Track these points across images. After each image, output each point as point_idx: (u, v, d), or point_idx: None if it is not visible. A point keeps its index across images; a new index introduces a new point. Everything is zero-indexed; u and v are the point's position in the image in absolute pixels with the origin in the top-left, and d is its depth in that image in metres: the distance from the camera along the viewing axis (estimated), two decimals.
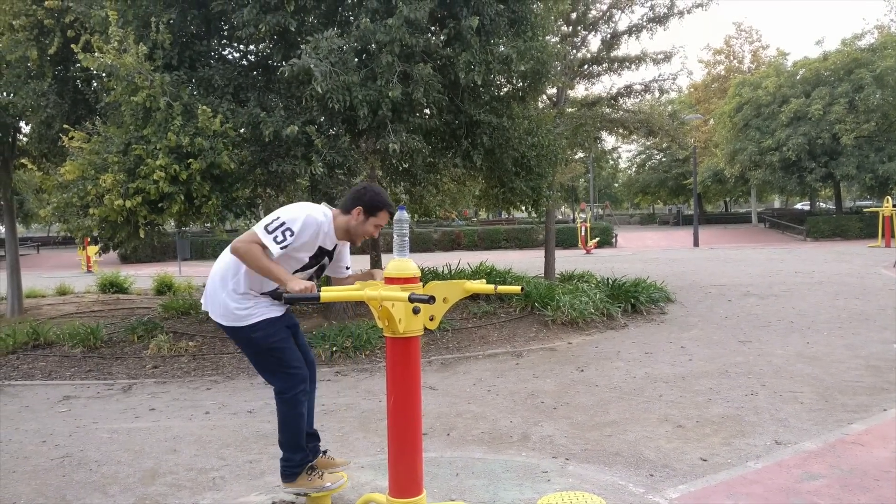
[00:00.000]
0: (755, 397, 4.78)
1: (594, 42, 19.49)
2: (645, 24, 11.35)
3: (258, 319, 2.88)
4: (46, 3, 7.10)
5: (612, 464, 3.59)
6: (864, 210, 26.94)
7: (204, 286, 3.06)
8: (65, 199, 6.46)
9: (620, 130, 12.48)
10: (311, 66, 5.91)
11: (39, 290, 13.04)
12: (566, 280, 10.60)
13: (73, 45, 6.66)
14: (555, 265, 11.56)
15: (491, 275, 9.89)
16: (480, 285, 2.73)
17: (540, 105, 10.75)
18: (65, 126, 7.11)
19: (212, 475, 3.62)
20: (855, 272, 12.89)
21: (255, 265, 2.72)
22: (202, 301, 3.03)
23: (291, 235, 2.74)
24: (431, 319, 2.59)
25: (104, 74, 6.46)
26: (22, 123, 9.22)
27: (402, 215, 2.62)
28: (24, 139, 9.75)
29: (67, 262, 26.26)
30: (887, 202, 20.90)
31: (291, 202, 3.23)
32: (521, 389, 5.25)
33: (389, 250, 2.97)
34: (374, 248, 9.14)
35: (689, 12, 11.52)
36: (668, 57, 11.70)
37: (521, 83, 7.92)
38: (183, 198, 6.26)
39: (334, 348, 6.49)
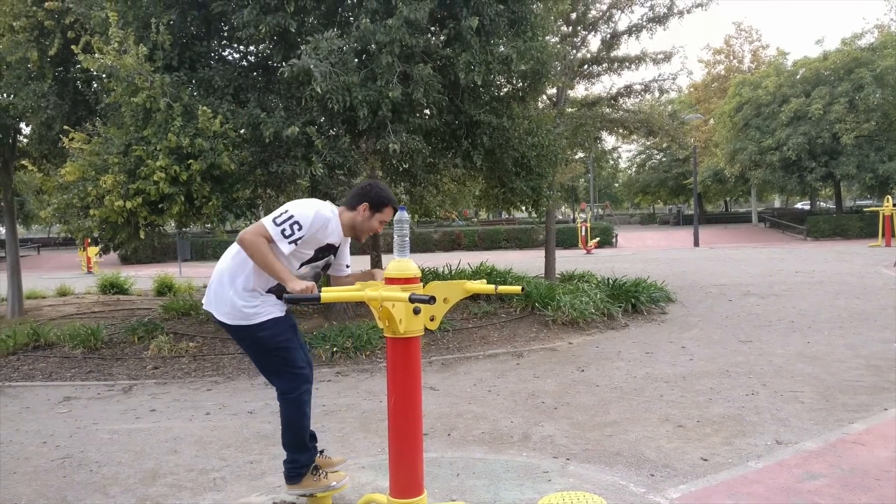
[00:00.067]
0: (756, 397, 4.77)
1: (594, 42, 19.53)
2: (645, 24, 11.36)
3: (265, 318, 2.88)
4: (47, 4, 7.11)
5: (612, 464, 3.59)
6: (865, 209, 26.93)
7: (205, 287, 3.06)
8: (65, 200, 6.46)
9: (620, 130, 12.49)
10: (311, 66, 5.92)
11: (40, 291, 13.04)
12: (566, 280, 10.60)
13: (73, 47, 6.66)
14: (555, 265, 11.56)
15: (491, 275, 9.88)
16: (481, 285, 2.73)
17: (540, 105, 10.75)
18: (65, 127, 7.12)
19: (212, 476, 3.62)
20: (855, 272, 12.89)
21: (260, 258, 2.70)
22: (204, 301, 3.00)
23: (300, 230, 2.75)
24: (432, 320, 2.59)
25: (104, 75, 6.46)
26: (22, 125, 9.22)
27: (403, 216, 2.62)
28: (25, 140, 9.75)
29: (68, 263, 26.27)
30: (887, 202, 20.89)
31: None
32: (521, 389, 5.24)
33: (390, 250, 2.97)
34: (375, 248, 9.15)
35: (688, 12, 11.53)
36: (667, 57, 11.71)
37: (521, 83, 7.92)
38: (183, 199, 6.26)
39: (335, 349, 6.49)
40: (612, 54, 11.63)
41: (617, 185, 53.44)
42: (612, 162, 47.93)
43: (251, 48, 7.82)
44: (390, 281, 2.54)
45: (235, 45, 7.82)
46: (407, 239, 2.62)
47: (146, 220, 6.33)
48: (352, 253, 3.32)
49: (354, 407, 4.93)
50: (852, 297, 9.55)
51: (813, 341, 6.71)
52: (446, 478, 3.43)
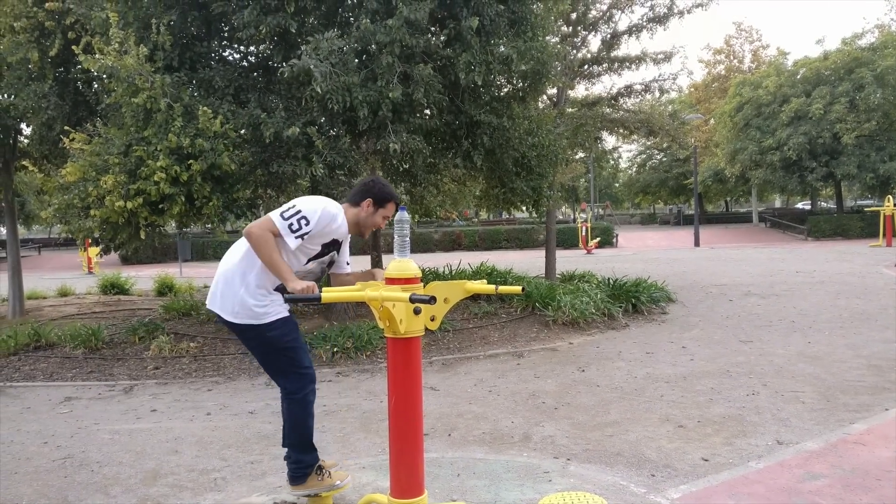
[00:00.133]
0: (756, 397, 4.77)
1: (594, 42, 19.49)
2: (645, 24, 11.35)
3: (275, 318, 2.88)
4: (47, 4, 7.11)
5: (613, 464, 3.59)
6: (866, 209, 26.92)
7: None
8: (66, 200, 6.46)
9: (621, 130, 12.48)
10: (312, 66, 5.92)
11: (41, 292, 13.05)
12: (567, 280, 10.59)
13: (73, 47, 6.67)
14: (555, 265, 11.56)
15: (492, 275, 9.88)
16: (481, 286, 2.73)
17: (540, 105, 10.75)
18: (66, 128, 7.12)
19: (213, 476, 3.63)
20: (856, 271, 12.88)
21: (265, 254, 2.69)
22: (209, 301, 2.97)
23: (307, 224, 2.75)
24: (432, 320, 2.59)
25: (105, 76, 6.46)
26: (23, 125, 9.23)
27: (403, 216, 2.62)
28: (25, 141, 9.75)
29: (68, 264, 26.28)
30: (888, 201, 20.87)
31: None
32: (522, 390, 5.24)
33: (390, 251, 2.97)
34: (375, 248, 9.15)
35: (688, 12, 11.53)
36: (668, 57, 11.70)
37: (521, 83, 7.92)
38: (184, 199, 6.27)
39: (335, 349, 6.50)
40: (613, 54, 11.63)
41: (617, 185, 53.42)
42: (612, 162, 47.91)
43: (251, 49, 7.83)
44: (391, 281, 2.54)
45: (236, 46, 7.82)
46: (407, 239, 2.62)
47: (147, 221, 6.34)
48: (352, 253, 3.32)
49: (355, 407, 4.93)
50: (853, 297, 9.54)
51: (814, 341, 6.70)
52: (447, 478, 3.43)
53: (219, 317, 2.93)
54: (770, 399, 4.70)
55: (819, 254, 18.20)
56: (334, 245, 2.97)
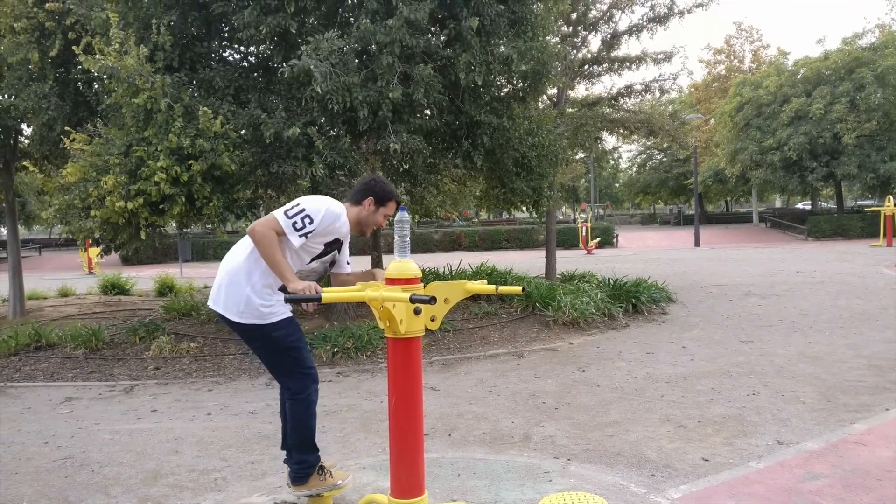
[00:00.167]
0: (757, 397, 4.77)
1: (594, 42, 19.49)
2: (645, 23, 11.35)
3: (280, 318, 2.89)
4: (47, 5, 7.11)
5: (613, 464, 3.59)
6: (866, 209, 26.91)
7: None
8: (66, 200, 6.47)
9: (621, 130, 12.48)
10: (312, 67, 5.92)
11: (41, 292, 13.06)
12: (567, 280, 10.59)
13: (74, 48, 6.67)
14: (556, 265, 11.56)
15: (492, 275, 9.88)
16: (481, 286, 2.73)
17: (540, 105, 10.75)
18: (66, 128, 7.12)
19: (214, 476, 3.63)
20: (857, 272, 12.87)
21: (267, 252, 2.69)
22: (211, 301, 2.94)
23: (311, 223, 2.76)
24: (433, 320, 2.59)
25: (105, 76, 6.47)
26: (23, 126, 9.23)
27: (403, 216, 2.62)
28: (26, 141, 9.76)
29: (69, 264, 26.29)
30: (889, 201, 20.87)
31: None
32: (522, 390, 5.25)
33: (390, 251, 2.97)
34: (376, 248, 9.15)
35: (689, 12, 11.52)
36: (668, 57, 11.70)
37: (521, 83, 7.92)
38: (184, 199, 6.27)
39: (335, 349, 6.50)
40: (613, 54, 11.63)
41: (617, 185, 53.42)
42: (612, 162, 47.93)
43: (252, 49, 7.83)
44: (391, 281, 2.54)
45: (236, 46, 7.83)
46: (407, 239, 2.62)
47: (147, 221, 6.34)
48: (352, 253, 3.33)
49: (355, 407, 4.93)
50: (854, 297, 9.54)
51: (814, 341, 6.70)
52: (447, 478, 3.43)
53: (222, 317, 2.91)
54: (770, 399, 4.70)
55: (819, 254, 18.19)
56: (336, 244, 2.99)
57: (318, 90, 5.96)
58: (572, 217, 39.91)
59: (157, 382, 6.00)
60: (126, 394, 5.66)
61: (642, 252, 23.00)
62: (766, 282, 11.73)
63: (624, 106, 12.11)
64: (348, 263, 3.18)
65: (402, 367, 2.58)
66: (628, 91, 11.90)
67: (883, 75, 24.09)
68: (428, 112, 7.54)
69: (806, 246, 22.96)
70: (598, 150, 16.99)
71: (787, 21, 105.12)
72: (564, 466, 3.56)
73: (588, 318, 7.72)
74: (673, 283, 11.08)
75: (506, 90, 8.13)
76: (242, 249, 2.90)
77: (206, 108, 6.19)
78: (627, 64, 11.54)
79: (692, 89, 39.47)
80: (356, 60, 6.53)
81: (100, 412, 5.10)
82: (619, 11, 11.47)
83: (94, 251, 21.08)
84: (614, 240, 28.31)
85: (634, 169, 47.34)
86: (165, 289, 12.56)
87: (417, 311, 2.43)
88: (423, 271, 8.31)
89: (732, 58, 39.37)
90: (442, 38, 7.20)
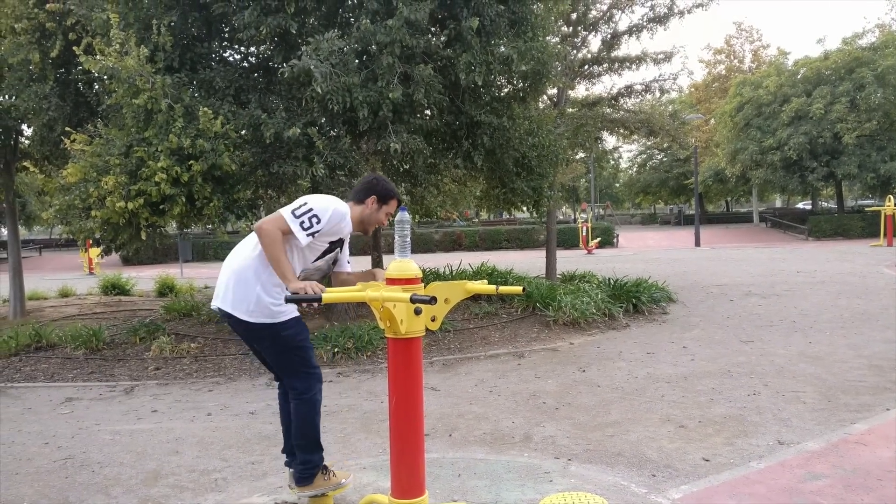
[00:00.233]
0: (757, 397, 4.77)
1: (594, 42, 19.50)
2: (645, 24, 11.36)
3: (289, 317, 2.89)
4: (48, 6, 7.12)
5: (614, 464, 3.59)
6: (867, 209, 26.91)
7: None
8: (67, 201, 6.47)
9: (621, 130, 12.48)
10: (312, 67, 5.92)
11: (42, 293, 13.06)
12: (568, 280, 10.59)
13: (74, 48, 6.67)
14: (556, 265, 11.55)
15: (492, 275, 9.88)
16: (482, 286, 2.73)
17: (541, 105, 10.76)
18: (66, 129, 7.13)
19: (214, 476, 3.63)
20: (857, 271, 12.87)
21: (272, 251, 2.69)
22: (218, 301, 2.89)
23: (318, 223, 2.76)
24: (433, 320, 2.59)
25: (106, 77, 6.47)
26: (24, 126, 9.24)
27: (404, 216, 2.62)
28: (27, 142, 9.77)
29: (69, 265, 26.30)
30: (889, 201, 20.86)
31: None
32: (522, 390, 5.24)
33: (391, 251, 2.98)
34: (376, 248, 9.15)
35: (689, 12, 11.53)
36: (668, 57, 11.70)
37: (521, 84, 7.92)
38: (184, 199, 6.27)
39: (336, 349, 6.50)
40: (613, 54, 11.63)
41: (618, 185, 53.42)
42: (612, 162, 47.94)
43: (252, 49, 7.83)
44: (391, 281, 2.54)
45: (236, 47, 7.83)
46: (408, 239, 2.63)
47: (147, 221, 6.34)
48: (352, 253, 3.34)
49: (356, 407, 4.93)
50: (854, 296, 9.53)
51: (815, 341, 6.70)
52: (448, 478, 3.43)
53: (229, 316, 2.86)
54: (771, 399, 4.70)
55: (820, 254, 18.19)
56: (339, 243, 3.01)
57: (319, 90, 5.96)
58: (573, 217, 39.92)
59: (158, 383, 6.00)
60: (126, 394, 5.66)
61: (643, 252, 22.99)
62: (766, 282, 11.73)
63: (624, 106, 12.12)
64: (348, 262, 3.19)
65: (402, 368, 2.58)
66: (628, 91, 11.90)
67: (883, 75, 24.09)
68: (428, 112, 7.54)
69: (806, 246, 22.95)
70: (599, 150, 17.00)
71: (787, 21, 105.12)
72: (565, 467, 3.56)
73: (588, 318, 7.72)
74: (673, 283, 11.08)
75: (506, 90, 8.13)
76: (249, 248, 2.88)
77: (206, 109, 6.19)
78: (627, 64, 11.54)
79: (692, 89, 39.46)
80: (356, 61, 6.53)
81: (100, 412, 5.10)
82: (619, 11, 11.47)
83: (95, 251, 21.08)
84: (615, 240, 28.31)
85: (635, 169, 47.33)
86: (166, 289, 12.57)
87: (418, 312, 2.43)
88: (424, 271, 8.32)
89: (732, 58, 39.38)
90: (442, 38, 7.20)
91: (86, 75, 7.35)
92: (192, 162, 6.13)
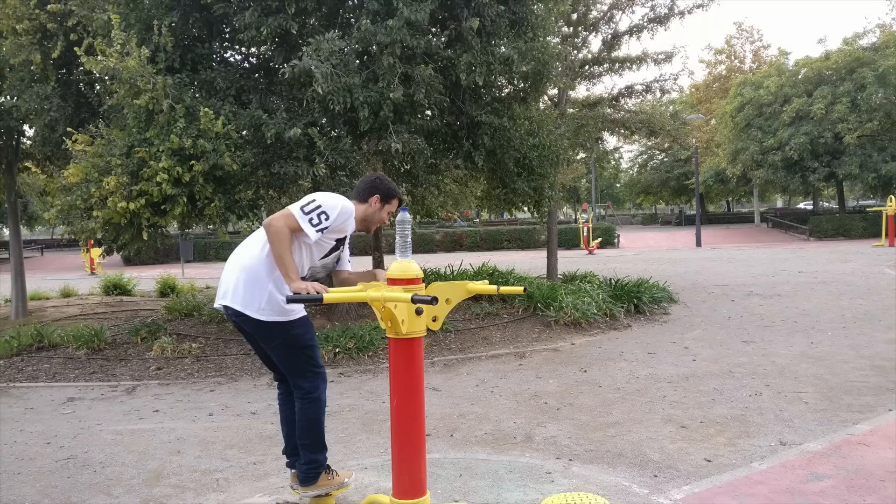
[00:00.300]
0: (759, 398, 4.76)
1: (595, 42, 19.50)
2: (645, 24, 11.36)
3: (299, 316, 2.90)
4: (49, 6, 7.12)
5: (615, 464, 3.59)
6: (868, 209, 26.89)
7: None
8: (68, 201, 6.48)
9: (622, 131, 12.49)
10: (313, 67, 5.93)
11: (43, 293, 13.08)
12: (569, 280, 10.58)
13: (76, 49, 6.68)
14: (557, 266, 11.55)
15: (493, 275, 9.88)
16: (483, 286, 2.73)
17: (541, 106, 10.76)
18: (68, 129, 7.13)
19: (216, 476, 3.63)
20: (859, 272, 12.85)
21: (279, 248, 2.68)
22: (228, 299, 2.83)
23: (327, 219, 2.78)
24: (434, 320, 2.59)
25: (107, 77, 6.48)
26: (26, 127, 9.25)
27: (405, 216, 2.62)
28: (28, 142, 9.78)
29: (71, 265, 26.33)
30: (890, 201, 20.84)
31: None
32: (524, 390, 5.24)
33: (392, 251, 2.98)
34: (377, 248, 9.16)
35: (689, 12, 11.54)
36: (669, 57, 11.70)
37: (522, 84, 7.92)
38: (186, 200, 6.27)
39: (337, 349, 6.50)
40: (613, 55, 11.64)
41: (619, 185, 53.43)
42: (613, 162, 47.92)
43: (253, 50, 7.83)
44: (392, 282, 2.54)
45: (237, 47, 7.83)
46: (409, 239, 2.63)
47: (149, 222, 6.35)
48: (352, 253, 3.34)
49: (357, 408, 4.93)
50: (856, 297, 9.52)
51: (816, 342, 6.69)
52: (449, 478, 3.43)
53: (237, 314, 2.81)
54: (773, 400, 4.69)
55: (821, 254, 18.17)
56: (343, 241, 3.02)
57: (320, 91, 5.97)
58: (574, 217, 39.91)
59: (159, 383, 6.00)
60: (128, 394, 5.66)
61: (644, 252, 22.98)
62: (768, 282, 11.72)
63: (625, 106, 12.12)
64: (349, 262, 3.20)
65: (403, 368, 2.58)
66: (629, 91, 11.90)
67: (884, 75, 24.07)
68: (429, 112, 7.55)
69: (808, 246, 22.93)
70: (600, 151, 17.03)
71: (787, 21, 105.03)
72: (566, 467, 3.56)
73: (590, 318, 7.72)
74: (674, 284, 11.07)
75: (507, 91, 8.14)
76: (258, 246, 2.85)
77: (207, 109, 6.19)
78: (628, 64, 11.54)
79: (693, 89, 39.44)
80: (357, 61, 6.54)
81: (102, 412, 5.10)
82: (620, 12, 11.48)
83: (96, 252, 21.08)
84: (616, 240, 28.30)
85: (635, 169, 47.32)
86: (167, 289, 12.57)
87: (419, 312, 2.43)
88: (425, 271, 8.31)
89: (733, 58, 39.35)
90: (443, 38, 7.20)
91: (87, 76, 7.36)
92: (193, 162, 6.13)
